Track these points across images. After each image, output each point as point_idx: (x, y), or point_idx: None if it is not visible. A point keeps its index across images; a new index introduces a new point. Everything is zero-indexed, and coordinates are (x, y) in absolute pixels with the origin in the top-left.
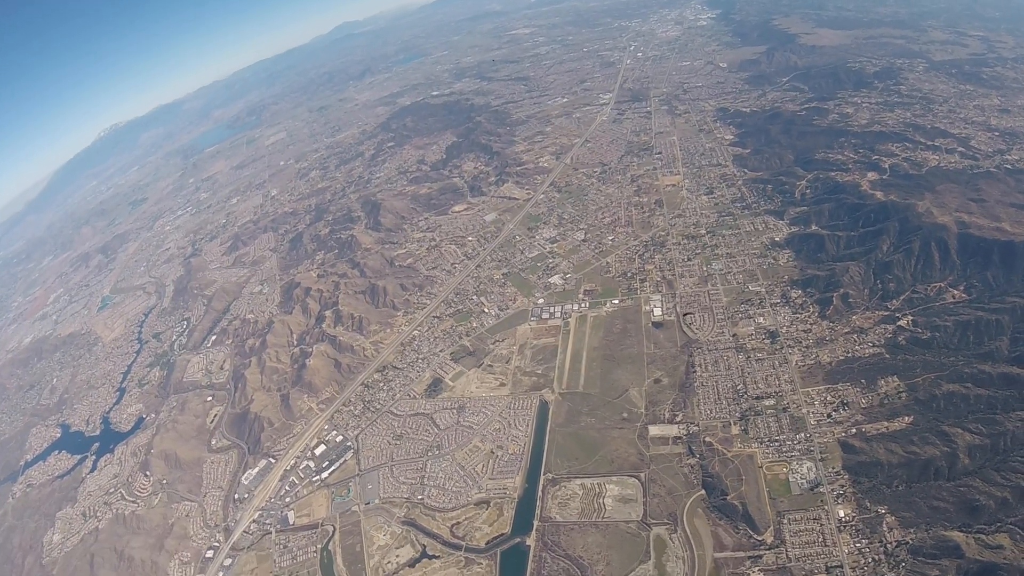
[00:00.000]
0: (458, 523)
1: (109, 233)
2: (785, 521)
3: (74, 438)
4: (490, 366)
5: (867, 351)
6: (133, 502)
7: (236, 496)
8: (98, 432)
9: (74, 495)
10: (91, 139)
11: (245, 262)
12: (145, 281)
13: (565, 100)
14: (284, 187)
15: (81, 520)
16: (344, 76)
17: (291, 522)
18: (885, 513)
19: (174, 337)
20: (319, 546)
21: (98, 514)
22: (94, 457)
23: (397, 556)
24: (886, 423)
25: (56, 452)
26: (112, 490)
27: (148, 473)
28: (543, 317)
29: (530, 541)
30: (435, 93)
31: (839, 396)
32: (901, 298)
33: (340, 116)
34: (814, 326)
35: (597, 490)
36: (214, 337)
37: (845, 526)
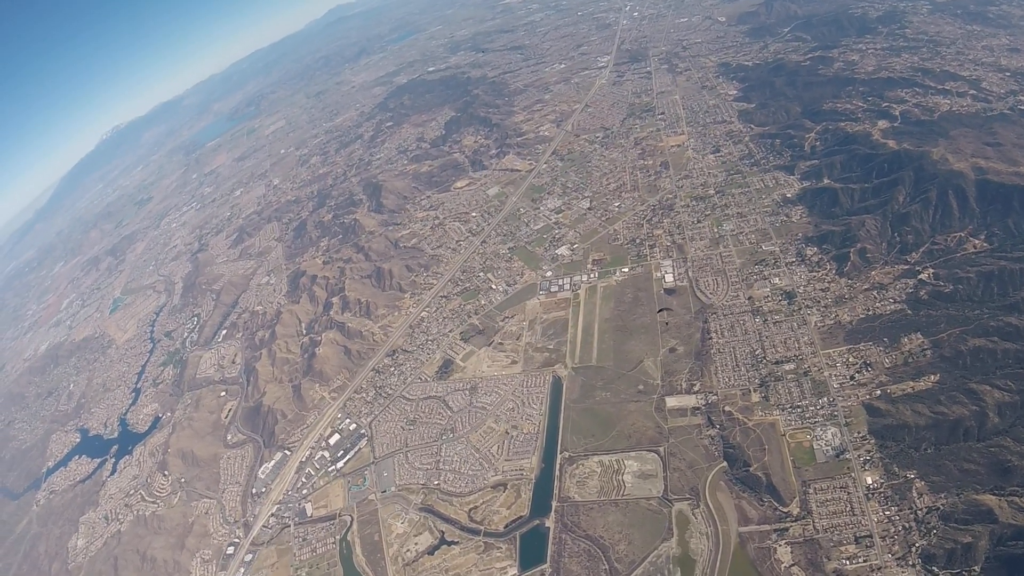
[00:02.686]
0: (476, 507)
1: (117, 235)
2: (811, 491)
3: (93, 442)
4: (500, 343)
5: (888, 308)
6: (153, 503)
7: (254, 491)
8: (116, 434)
9: (96, 499)
10: (94, 142)
11: (251, 254)
12: (154, 280)
13: (563, 66)
14: (286, 175)
15: (103, 524)
16: (340, 59)
17: (309, 514)
18: (914, 478)
19: (185, 334)
20: (338, 537)
21: (120, 517)
22: (113, 460)
23: (416, 544)
24: (911, 383)
25: (76, 457)
26: (132, 492)
27: (166, 472)
28: (552, 290)
29: (549, 522)
30: (431, 69)
31: (861, 356)
32: (920, 250)
33: (338, 99)
34: (832, 284)
35: (616, 467)
36: (224, 331)
37: (873, 493)
